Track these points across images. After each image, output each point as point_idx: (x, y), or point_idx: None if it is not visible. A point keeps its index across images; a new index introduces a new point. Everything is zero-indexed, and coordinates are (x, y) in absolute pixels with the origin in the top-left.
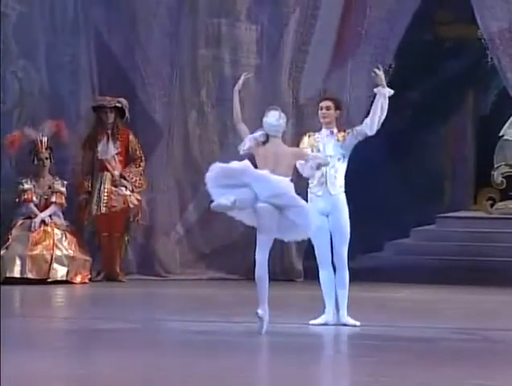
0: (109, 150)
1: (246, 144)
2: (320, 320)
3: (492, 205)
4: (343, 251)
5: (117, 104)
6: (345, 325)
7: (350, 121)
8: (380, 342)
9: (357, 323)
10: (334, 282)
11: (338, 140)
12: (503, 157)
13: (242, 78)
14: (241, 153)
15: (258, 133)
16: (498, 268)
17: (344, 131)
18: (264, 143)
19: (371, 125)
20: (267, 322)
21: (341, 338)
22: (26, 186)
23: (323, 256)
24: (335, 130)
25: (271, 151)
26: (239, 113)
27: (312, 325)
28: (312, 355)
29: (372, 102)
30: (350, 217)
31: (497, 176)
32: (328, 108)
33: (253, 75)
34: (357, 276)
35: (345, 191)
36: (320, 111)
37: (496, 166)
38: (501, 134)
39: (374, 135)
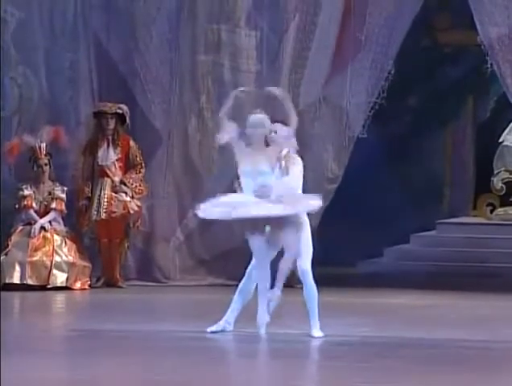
0: (109, 156)
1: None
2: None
3: (492, 211)
4: (309, 267)
5: (118, 111)
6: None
7: (350, 126)
8: (379, 348)
9: (322, 335)
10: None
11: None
12: (503, 163)
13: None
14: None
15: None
16: (498, 274)
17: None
18: (247, 146)
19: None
20: (264, 326)
21: (340, 344)
22: (26, 192)
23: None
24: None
25: (252, 152)
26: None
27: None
28: (310, 360)
29: (372, 108)
30: (350, 222)
31: (497, 182)
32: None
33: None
34: (356, 281)
35: (345, 197)
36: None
37: (495, 172)
38: (500, 140)
39: (374, 140)
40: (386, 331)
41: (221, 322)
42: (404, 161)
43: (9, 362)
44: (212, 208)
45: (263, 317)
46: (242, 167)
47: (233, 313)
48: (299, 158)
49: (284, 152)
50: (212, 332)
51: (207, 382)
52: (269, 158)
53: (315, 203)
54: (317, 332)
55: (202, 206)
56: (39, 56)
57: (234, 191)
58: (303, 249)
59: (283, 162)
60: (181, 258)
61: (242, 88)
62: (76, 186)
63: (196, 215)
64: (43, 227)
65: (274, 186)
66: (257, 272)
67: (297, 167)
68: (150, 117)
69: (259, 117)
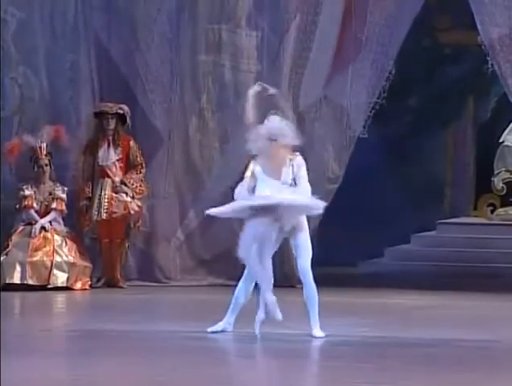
0: (109, 156)
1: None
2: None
3: (492, 211)
4: (309, 266)
5: (119, 111)
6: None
7: (350, 126)
8: (379, 348)
9: (323, 335)
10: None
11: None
12: (503, 163)
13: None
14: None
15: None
16: (499, 274)
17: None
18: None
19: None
20: (260, 323)
21: (340, 344)
22: (26, 192)
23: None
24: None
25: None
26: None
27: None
28: (310, 360)
29: (373, 108)
30: (351, 223)
31: (498, 182)
32: None
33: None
34: (357, 282)
35: (345, 197)
36: None
37: (496, 172)
38: (501, 140)
39: (374, 141)
40: (386, 331)
41: (222, 323)
42: (405, 161)
43: (9, 362)
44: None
45: (261, 316)
46: (261, 175)
47: (233, 313)
48: (301, 158)
49: (289, 156)
50: (213, 332)
51: (207, 382)
52: (282, 163)
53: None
54: (318, 332)
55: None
56: (40, 56)
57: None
58: (302, 248)
59: (291, 167)
60: (182, 258)
61: (258, 84)
62: (77, 186)
63: (197, 215)
64: (43, 228)
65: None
66: (259, 270)
67: (304, 169)
68: (151, 117)
69: (279, 126)
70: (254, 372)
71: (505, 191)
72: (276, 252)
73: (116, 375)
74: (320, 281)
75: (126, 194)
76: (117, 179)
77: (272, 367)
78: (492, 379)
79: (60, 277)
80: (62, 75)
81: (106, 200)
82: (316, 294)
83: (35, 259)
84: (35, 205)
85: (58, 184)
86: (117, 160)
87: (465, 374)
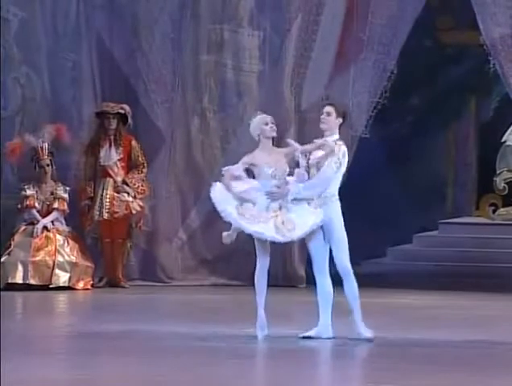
0: (111, 156)
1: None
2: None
3: (494, 211)
4: (344, 260)
5: (121, 111)
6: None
7: (352, 126)
8: (382, 348)
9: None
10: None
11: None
12: (505, 163)
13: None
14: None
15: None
16: (501, 274)
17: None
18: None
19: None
20: (265, 327)
21: (343, 344)
22: (28, 192)
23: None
24: (331, 138)
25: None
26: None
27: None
28: (315, 361)
29: (374, 108)
30: (353, 222)
31: (500, 182)
32: (328, 114)
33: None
34: (359, 282)
35: (347, 197)
36: (321, 116)
37: (498, 172)
38: (503, 140)
39: (376, 141)
40: (387, 331)
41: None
42: (406, 161)
43: (9, 362)
44: (227, 198)
45: (263, 319)
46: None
47: None
48: (340, 147)
49: (321, 141)
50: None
51: (207, 382)
52: (282, 158)
53: (316, 220)
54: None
55: (218, 186)
56: (42, 56)
57: None
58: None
59: (320, 153)
60: (184, 258)
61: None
62: (79, 186)
63: (198, 215)
64: (45, 227)
65: (290, 188)
66: (258, 271)
67: (332, 158)
68: (153, 117)
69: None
70: (255, 372)
71: (507, 191)
72: (277, 252)
73: (116, 375)
74: None
75: (128, 194)
76: (118, 179)
77: (273, 367)
78: (492, 379)
79: (62, 277)
80: (64, 75)
81: (108, 200)
82: (357, 293)
83: (37, 259)
84: (36, 205)
85: (60, 184)
86: (119, 160)
87: (465, 374)
